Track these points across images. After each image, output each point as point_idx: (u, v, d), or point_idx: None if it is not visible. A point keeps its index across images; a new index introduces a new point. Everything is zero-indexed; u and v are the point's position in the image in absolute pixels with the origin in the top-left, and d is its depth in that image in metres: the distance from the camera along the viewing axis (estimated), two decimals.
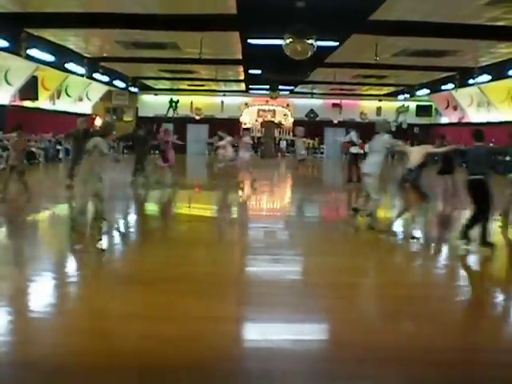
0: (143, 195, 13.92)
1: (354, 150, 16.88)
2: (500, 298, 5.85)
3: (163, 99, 34.29)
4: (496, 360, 4.15)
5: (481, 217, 7.70)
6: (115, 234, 8.83)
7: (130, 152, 14.57)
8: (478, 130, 8.27)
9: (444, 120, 31.95)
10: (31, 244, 8.00)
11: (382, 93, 32.13)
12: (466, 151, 8.79)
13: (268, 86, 28.56)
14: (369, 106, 34.80)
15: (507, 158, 17.54)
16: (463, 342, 4.48)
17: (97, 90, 29.06)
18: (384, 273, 6.67)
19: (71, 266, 6.72)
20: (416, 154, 8.52)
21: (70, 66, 20.44)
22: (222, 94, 32.71)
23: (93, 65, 22.08)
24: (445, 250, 8.51)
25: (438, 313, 5.16)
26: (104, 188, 7.54)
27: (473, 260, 7.55)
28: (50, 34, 16.87)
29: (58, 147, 23.59)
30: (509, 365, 4.06)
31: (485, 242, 7.66)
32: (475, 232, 7.66)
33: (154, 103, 34.19)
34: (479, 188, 7.70)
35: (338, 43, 16.48)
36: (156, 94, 33.96)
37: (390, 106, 34.34)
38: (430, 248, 8.55)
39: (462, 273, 7.00)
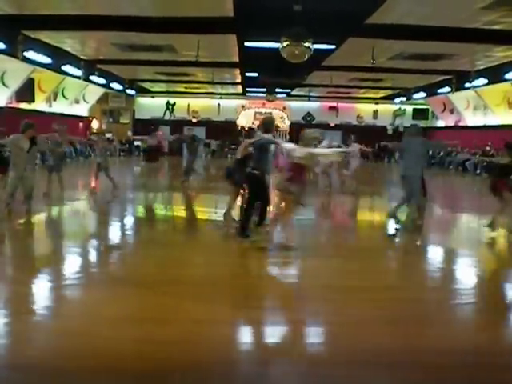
0: None
1: None
2: (496, 300, 5.84)
3: (160, 102, 34.30)
4: (495, 363, 4.14)
5: (251, 208, 8.00)
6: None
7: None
8: (266, 119, 8.64)
9: (440, 123, 32.04)
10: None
11: (379, 96, 32.21)
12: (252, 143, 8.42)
13: (265, 89, 28.60)
14: (365, 109, 34.87)
15: None
16: (462, 345, 4.46)
17: (93, 93, 29.04)
18: (380, 276, 6.65)
19: (69, 267, 6.69)
20: (241, 147, 8.70)
21: (67, 68, 20.48)
22: (218, 96, 32.72)
23: (89, 67, 22.11)
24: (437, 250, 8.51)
25: (436, 315, 5.15)
26: (31, 177, 9.33)
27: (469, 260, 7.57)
28: (46, 37, 16.87)
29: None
30: (508, 368, 4.06)
31: (243, 232, 7.96)
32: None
33: (150, 106, 34.18)
34: (254, 182, 7.92)
35: (334, 46, 16.54)
36: (153, 97, 33.96)
37: (386, 109, 34.40)
38: (416, 251, 8.54)
39: (461, 277, 6.99)
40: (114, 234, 9.34)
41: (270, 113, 31.55)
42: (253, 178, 7.91)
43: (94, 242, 8.37)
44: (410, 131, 9.96)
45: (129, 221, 10.65)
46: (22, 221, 9.41)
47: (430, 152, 25.92)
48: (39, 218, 10.24)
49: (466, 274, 6.93)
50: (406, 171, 9.43)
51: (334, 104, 34.31)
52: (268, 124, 8.25)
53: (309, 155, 7.33)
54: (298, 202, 7.60)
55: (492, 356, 4.28)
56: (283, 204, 7.80)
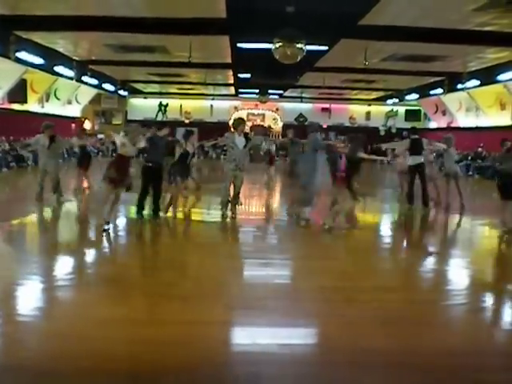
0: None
1: (412, 160, 12.12)
2: (490, 301, 5.86)
3: (152, 103, 34.25)
4: (494, 364, 4.15)
5: (145, 195, 9.52)
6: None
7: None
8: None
9: (433, 125, 32.10)
10: None
11: (371, 97, 32.26)
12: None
13: (257, 90, 28.62)
14: (358, 111, 34.96)
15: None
16: (460, 346, 4.47)
17: (86, 93, 28.98)
18: (373, 276, 6.66)
19: (60, 268, 6.66)
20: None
21: (59, 68, 20.40)
22: (211, 97, 32.70)
23: (82, 68, 22.05)
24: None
25: (430, 316, 5.16)
26: (54, 172, 11.24)
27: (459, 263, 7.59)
28: (38, 37, 16.81)
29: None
30: (503, 368, 4.07)
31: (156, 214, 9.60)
32: None
33: (143, 106, 34.13)
34: (150, 173, 9.35)
35: (327, 48, 16.56)
36: (145, 98, 33.91)
37: (379, 110, 34.51)
38: (404, 251, 8.55)
39: (455, 278, 6.99)
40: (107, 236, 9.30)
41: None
42: (146, 169, 9.30)
43: (87, 242, 8.33)
44: (308, 129, 10.18)
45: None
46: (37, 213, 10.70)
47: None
48: (65, 209, 11.14)
49: (460, 275, 6.95)
50: (299, 168, 9.85)
51: (326, 105, 34.35)
52: (234, 123, 10.29)
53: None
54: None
55: (491, 357, 4.29)
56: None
